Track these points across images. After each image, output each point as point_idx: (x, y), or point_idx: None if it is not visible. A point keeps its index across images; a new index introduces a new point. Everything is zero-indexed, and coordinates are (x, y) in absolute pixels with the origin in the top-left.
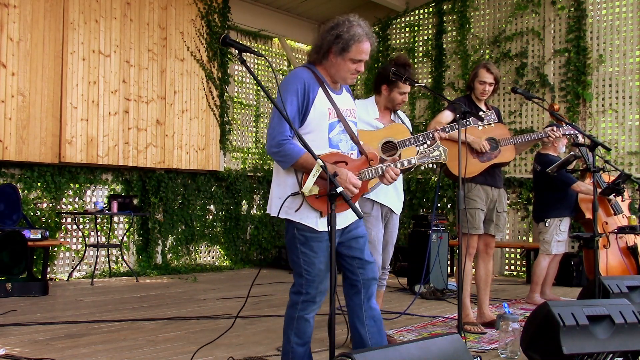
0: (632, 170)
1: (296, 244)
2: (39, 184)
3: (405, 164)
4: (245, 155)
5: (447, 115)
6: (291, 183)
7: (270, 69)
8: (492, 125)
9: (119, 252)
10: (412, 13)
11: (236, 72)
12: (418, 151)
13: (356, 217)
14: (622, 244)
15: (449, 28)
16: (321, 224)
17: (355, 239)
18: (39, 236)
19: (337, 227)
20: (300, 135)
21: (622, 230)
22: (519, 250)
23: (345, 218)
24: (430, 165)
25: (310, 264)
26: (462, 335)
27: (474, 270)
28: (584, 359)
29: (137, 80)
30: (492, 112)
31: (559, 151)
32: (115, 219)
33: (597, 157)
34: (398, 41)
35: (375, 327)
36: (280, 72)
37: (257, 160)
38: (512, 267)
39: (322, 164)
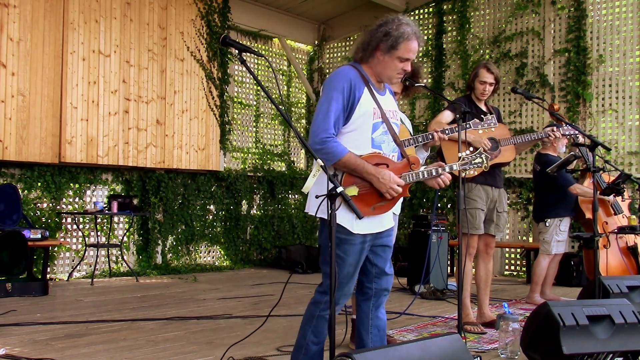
0: (632, 170)
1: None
2: (39, 184)
3: (447, 169)
4: (245, 155)
5: (447, 116)
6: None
7: (270, 69)
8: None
9: (119, 252)
10: (412, 13)
11: (236, 72)
12: (460, 157)
13: (392, 224)
14: (622, 244)
15: (449, 28)
16: (357, 227)
17: (383, 247)
18: (39, 236)
19: (370, 231)
20: (295, 129)
21: (622, 230)
22: (519, 250)
23: (380, 223)
24: (472, 172)
25: (339, 266)
26: (462, 335)
27: (474, 270)
28: (584, 359)
29: (137, 80)
30: (493, 116)
31: (559, 151)
32: (115, 219)
33: (597, 157)
34: None
35: (379, 336)
36: (280, 72)
37: (257, 160)
38: (512, 267)
39: (322, 164)
